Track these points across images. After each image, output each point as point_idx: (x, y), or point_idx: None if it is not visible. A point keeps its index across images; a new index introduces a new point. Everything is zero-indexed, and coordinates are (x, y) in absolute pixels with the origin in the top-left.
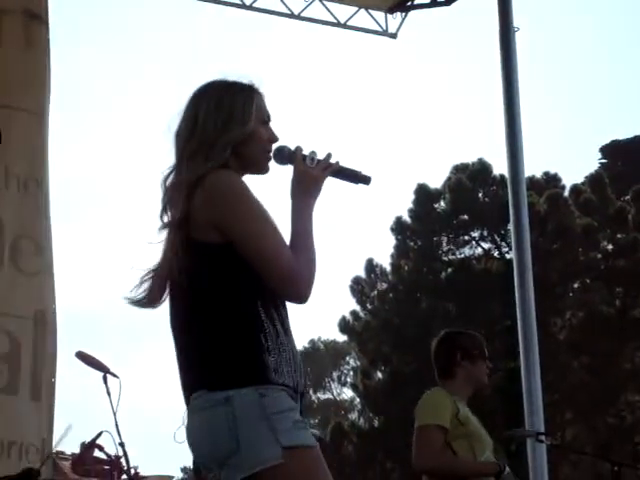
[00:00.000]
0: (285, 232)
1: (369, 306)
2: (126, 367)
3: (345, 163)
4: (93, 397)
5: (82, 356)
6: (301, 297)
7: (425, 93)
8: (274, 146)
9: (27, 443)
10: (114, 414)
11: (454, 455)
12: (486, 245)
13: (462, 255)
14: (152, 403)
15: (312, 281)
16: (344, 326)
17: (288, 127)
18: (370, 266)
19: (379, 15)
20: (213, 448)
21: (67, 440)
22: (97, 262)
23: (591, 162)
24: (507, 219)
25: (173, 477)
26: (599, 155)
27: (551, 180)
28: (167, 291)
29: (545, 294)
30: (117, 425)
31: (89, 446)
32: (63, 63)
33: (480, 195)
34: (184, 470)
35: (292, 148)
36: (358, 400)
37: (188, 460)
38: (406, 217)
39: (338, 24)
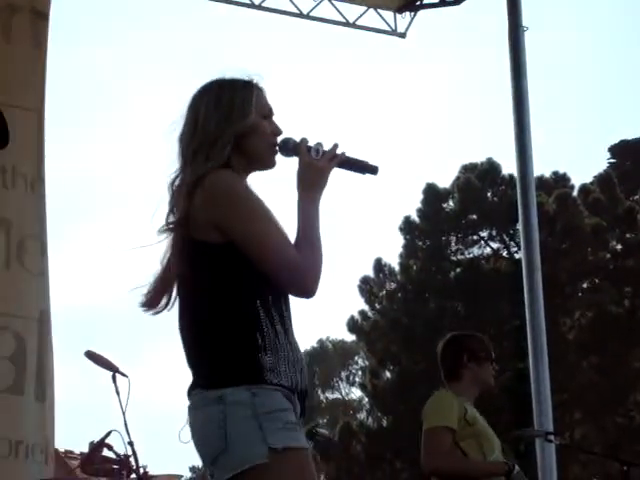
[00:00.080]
0: (290, 227)
1: (377, 306)
2: (135, 366)
3: (351, 154)
4: (102, 396)
5: (91, 355)
6: (308, 292)
7: (434, 92)
8: (279, 139)
9: (33, 442)
10: (123, 413)
11: (464, 456)
12: (495, 245)
13: (471, 255)
14: (161, 402)
15: (319, 275)
16: (352, 326)
17: (296, 126)
18: (378, 266)
19: (388, 15)
20: (205, 447)
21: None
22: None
23: (600, 162)
24: (516, 219)
25: (182, 476)
26: (608, 155)
27: (560, 180)
28: (169, 294)
29: (554, 294)
30: (126, 424)
31: (98, 445)
32: (77, 60)
33: (489, 195)
34: (192, 469)
35: (297, 140)
36: (366, 400)
37: (196, 459)
38: (415, 217)
39: (347, 24)
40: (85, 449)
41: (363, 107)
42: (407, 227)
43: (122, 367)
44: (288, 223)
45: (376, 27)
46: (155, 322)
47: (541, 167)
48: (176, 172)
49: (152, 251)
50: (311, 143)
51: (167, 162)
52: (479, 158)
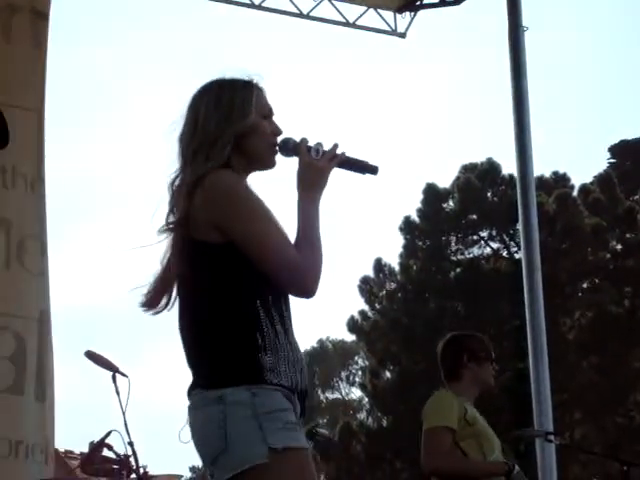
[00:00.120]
0: (290, 227)
1: (377, 306)
2: (135, 366)
3: (351, 154)
4: (102, 396)
5: (91, 355)
6: (308, 291)
7: (434, 92)
8: (279, 139)
9: (33, 442)
10: (123, 413)
11: (464, 456)
12: (495, 245)
13: (471, 255)
14: (161, 402)
15: (319, 275)
16: (352, 326)
17: (296, 126)
18: (378, 266)
19: (388, 15)
20: (205, 447)
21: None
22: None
23: (600, 162)
24: (516, 219)
25: (182, 476)
26: (608, 155)
27: (560, 180)
28: (169, 294)
29: (554, 294)
30: (126, 424)
31: (98, 445)
32: (77, 60)
33: (489, 195)
34: (193, 469)
35: (297, 140)
36: (366, 400)
37: (196, 459)
38: (415, 217)
39: (347, 24)
40: (85, 449)
41: (363, 107)
42: (407, 227)
43: (122, 367)
44: (288, 223)
45: (376, 27)
46: (155, 322)
47: (541, 167)
48: (176, 172)
49: (152, 251)
50: (311, 143)
51: (167, 162)
52: (479, 158)
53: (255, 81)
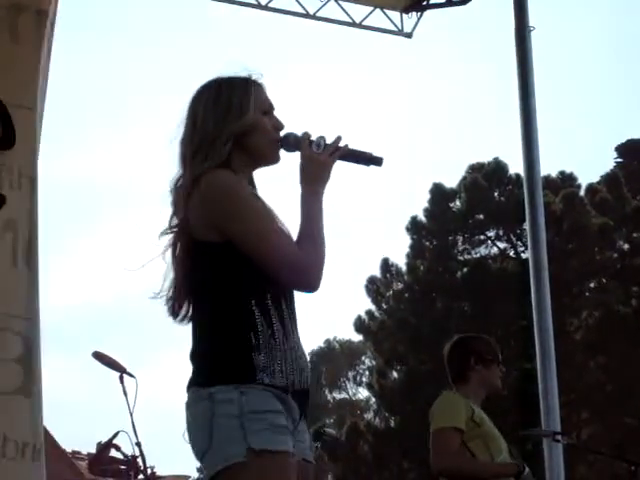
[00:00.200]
0: (294, 222)
1: (384, 306)
2: (143, 367)
3: (355, 145)
4: (110, 397)
5: (99, 356)
6: (311, 286)
7: (440, 92)
8: (281, 133)
9: (39, 444)
10: (131, 414)
11: (472, 456)
12: (502, 245)
13: (478, 255)
14: (169, 403)
15: (321, 270)
16: (359, 326)
17: (303, 125)
18: (385, 266)
19: (394, 15)
20: (195, 443)
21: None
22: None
23: (607, 161)
24: (523, 218)
25: (189, 477)
26: (615, 154)
27: (567, 179)
28: (188, 302)
29: (561, 294)
30: (134, 425)
31: (106, 446)
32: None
33: (496, 194)
34: (200, 470)
35: (299, 134)
36: (374, 400)
37: None
38: (421, 217)
39: (353, 24)
40: (92, 450)
41: (370, 107)
42: (414, 227)
43: (130, 368)
44: (292, 219)
45: (383, 27)
46: (164, 323)
47: (548, 167)
48: (178, 174)
49: (159, 253)
50: (313, 137)
51: (172, 163)
52: (486, 158)
53: (254, 77)
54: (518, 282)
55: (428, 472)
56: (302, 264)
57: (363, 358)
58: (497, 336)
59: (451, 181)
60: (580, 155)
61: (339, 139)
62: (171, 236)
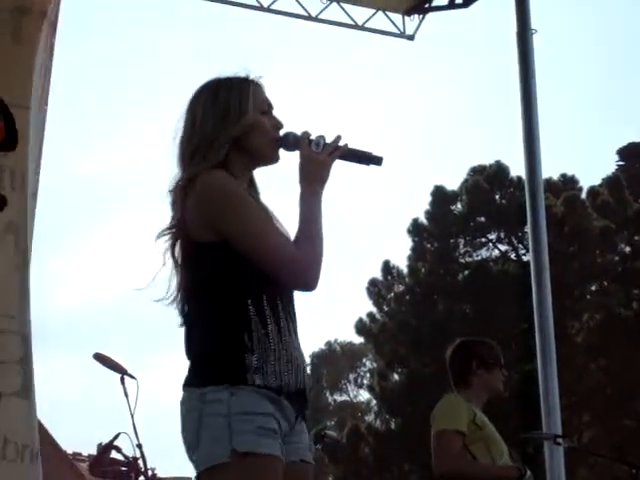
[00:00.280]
0: (293, 222)
1: (386, 308)
2: (144, 368)
3: (354, 145)
4: (111, 399)
5: (100, 358)
6: (308, 285)
7: (442, 95)
8: (281, 133)
9: (37, 446)
10: (132, 415)
11: (473, 459)
12: (503, 247)
13: (479, 257)
14: (170, 404)
15: (318, 267)
16: (361, 328)
17: (305, 127)
18: (387, 268)
19: (396, 17)
20: (186, 443)
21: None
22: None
23: (608, 164)
24: (524, 221)
25: (190, 478)
26: (616, 157)
27: (568, 182)
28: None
29: (562, 296)
30: (135, 427)
31: (106, 448)
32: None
33: (497, 197)
34: None
35: (299, 134)
36: (375, 402)
37: None
38: (423, 219)
39: (355, 26)
40: (93, 451)
41: (372, 109)
42: (415, 229)
43: (130, 369)
44: (290, 219)
45: (385, 29)
46: (166, 323)
47: (549, 169)
48: (177, 174)
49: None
50: (313, 136)
51: (172, 163)
52: (487, 160)
53: (252, 77)
54: (519, 284)
55: (429, 475)
56: (300, 264)
57: (364, 360)
58: (498, 338)
59: (452, 183)
60: (582, 158)
61: (339, 138)
62: (170, 237)
